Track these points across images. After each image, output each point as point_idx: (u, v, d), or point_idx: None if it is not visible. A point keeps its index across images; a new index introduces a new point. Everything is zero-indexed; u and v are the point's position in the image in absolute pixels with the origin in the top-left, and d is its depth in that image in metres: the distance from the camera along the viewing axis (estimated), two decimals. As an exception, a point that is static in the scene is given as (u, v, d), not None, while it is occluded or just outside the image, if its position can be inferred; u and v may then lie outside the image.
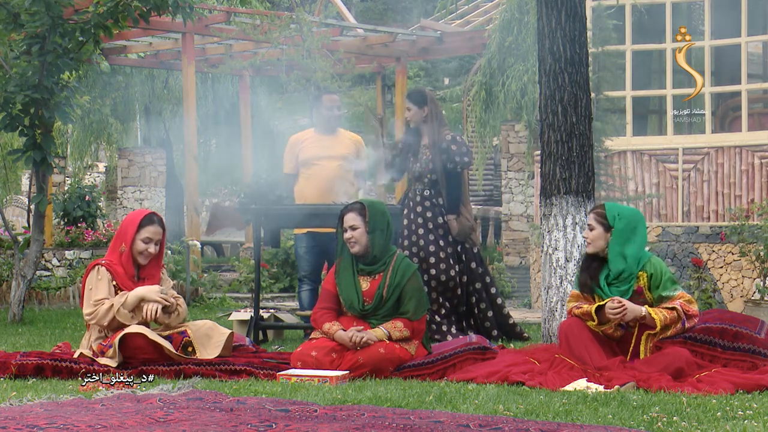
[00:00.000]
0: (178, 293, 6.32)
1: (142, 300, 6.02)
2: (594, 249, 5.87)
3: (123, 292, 6.05)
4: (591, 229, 5.88)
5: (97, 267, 6.11)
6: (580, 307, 5.80)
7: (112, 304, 6.00)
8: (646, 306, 5.70)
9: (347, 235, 6.07)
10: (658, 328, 5.65)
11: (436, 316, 7.68)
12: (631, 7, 10.42)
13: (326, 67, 12.26)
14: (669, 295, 5.73)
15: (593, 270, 5.87)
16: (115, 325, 6.01)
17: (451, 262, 7.76)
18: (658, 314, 5.65)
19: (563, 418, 4.45)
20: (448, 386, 5.39)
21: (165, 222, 6.38)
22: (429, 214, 7.83)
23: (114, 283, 6.09)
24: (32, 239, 9.22)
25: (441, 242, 7.77)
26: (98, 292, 6.04)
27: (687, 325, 5.71)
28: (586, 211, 6.46)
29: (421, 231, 7.80)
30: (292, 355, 5.99)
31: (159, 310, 6.02)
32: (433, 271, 7.71)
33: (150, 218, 6.21)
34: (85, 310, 6.05)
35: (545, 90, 6.59)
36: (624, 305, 5.64)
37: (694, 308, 5.73)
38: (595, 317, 5.72)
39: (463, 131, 16.03)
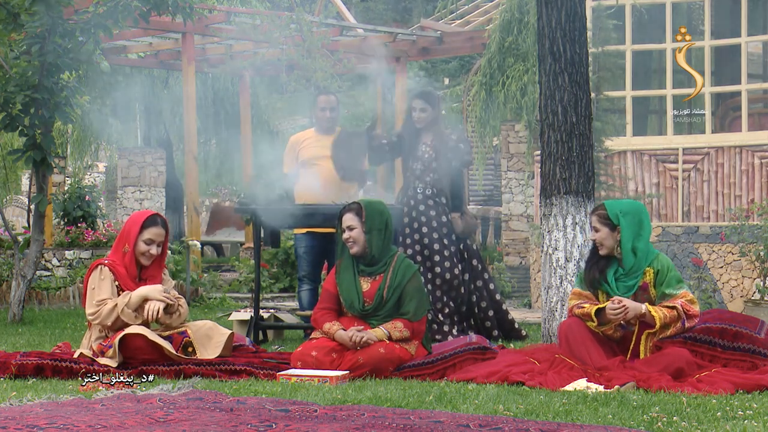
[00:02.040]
0: (179, 293, 6.33)
1: (145, 299, 6.03)
2: (606, 250, 5.85)
3: (126, 292, 6.06)
4: (596, 231, 5.87)
5: (99, 267, 6.12)
6: (581, 307, 5.79)
7: (116, 304, 6.00)
8: (647, 304, 5.70)
9: (345, 235, 6.08)
10: (658, 326, 5.65)
11: (439, 315, 7.68)
12: (631, 7, 10.42)
13: (326, 67, 12.26)
14: (672, 293, 5.73)
15: (602, 266, 5.85)
16: (118, 325, 6.01)
17: (455, 260, 7.77)
18: (658, 312, 5.64)
19: (563, 418, 4.45)
20: (448, 386, 5.39)
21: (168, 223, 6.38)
22: (432, 213, 7.83)
23: (116, 283, 6.09)
24: (32, 239, 9.22)
25: (445, 241, 7.78)
26: (101, 292, 6.04)
27: (687, 324, 5.71)
28: (586, 211, 6.46)
29: (424, 230, 7.80)
30: (292, 355, 5.99)
31: (161, 310, 6.02)
32: (437, 270, 7.71)
33: (153, 219, 6.21)
34: (88, 309, 6.06)
35: (545, 90, 6.60)
36: (624, 305, 5.64)
37: (695, 309, 5.72)
38: (594, 319, 5.72)
39: (463, 131, 16.02)
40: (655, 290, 5.77)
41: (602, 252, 5.86)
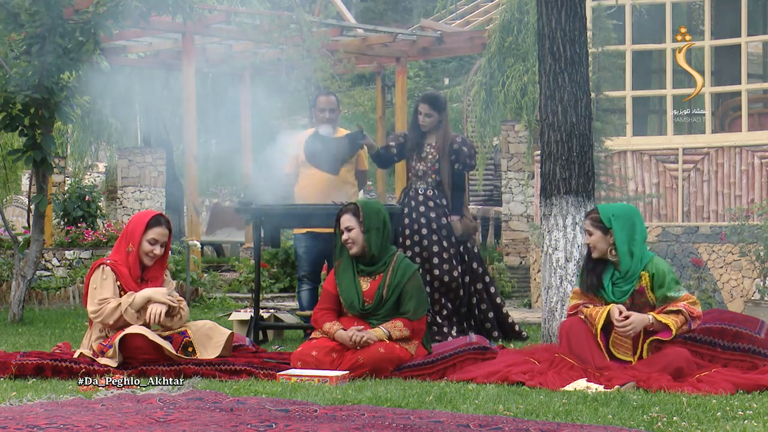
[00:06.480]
0: (179, 294, 6.33)
1: (149, 301, 6.03)
2: (599, 253, 5.84)
3: (130, 292, 6.06)
4: (590, 235, 5.87)
5: (102, 266, 6.11)
6: (587, 307, 5.76)
7: (119, 303, 6.00)
8: (652, 313, 5.67)
9: (344, 236, 6.08)
10: (674, 334, 5.61)
11: (438, 317, 7.68)
12: (631, 7, 10.42)
13: (326, 67, 12.26)
14: (673, 296, 5.71)
15: (599, 271, 5.84)
16: (119, 324, 6.01)
17: (454, 262, 7.77)
18: (668, 320, 5.61)
19: (563, 418, 4.45)
20: (448, 386, 5.39)
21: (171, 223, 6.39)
22: (432, 215, 7.84)
23: (118, 283, 6.09)
24: (32, 239, 9.21)
25: (444, 243, 7.78)
26: (103, 292, 6.04)
27: (692, 326, 5.70)
28: (587, 211, 6.46)
29: (424, 231, 7.80)
30: (292, 355, 6.00)
31: (163, 313, 6.02)
32: (436, 272, 7.71)
33: (157, 219, 6.22)
34: (90, 307, 6.05)
35: (545, 90, 6.60)
36: (631, 322, 5.59)
37: (698, 310, 5.70)
38: (599, 332, 5.69)
39: (463, 131, 16.02)
40: (654, 294, 5.76)
41: (594, 255, 5.85)
